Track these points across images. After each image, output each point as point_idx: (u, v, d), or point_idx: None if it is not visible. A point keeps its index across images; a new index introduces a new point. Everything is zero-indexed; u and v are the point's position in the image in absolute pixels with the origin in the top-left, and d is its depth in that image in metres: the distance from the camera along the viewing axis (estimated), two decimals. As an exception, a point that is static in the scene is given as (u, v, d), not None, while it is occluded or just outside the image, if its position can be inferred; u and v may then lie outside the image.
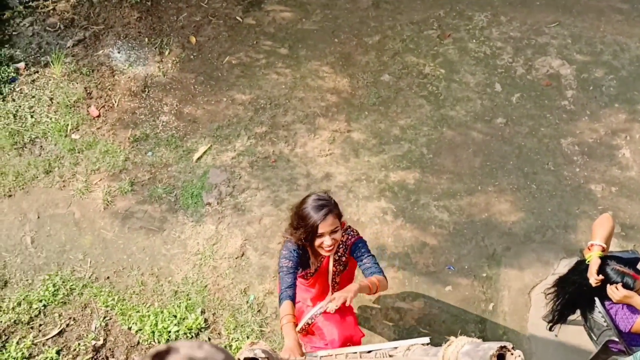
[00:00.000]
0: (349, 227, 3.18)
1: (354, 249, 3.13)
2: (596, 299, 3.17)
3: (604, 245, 3.00)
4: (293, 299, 2.84)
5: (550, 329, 3.66)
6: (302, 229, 2.87)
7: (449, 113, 5.30)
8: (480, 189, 4.82)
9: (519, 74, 5.61)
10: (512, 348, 1.16)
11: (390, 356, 1.72)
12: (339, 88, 5.47)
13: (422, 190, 4.80)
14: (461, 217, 4.66)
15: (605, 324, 3.19)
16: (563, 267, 4.37)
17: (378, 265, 3.07)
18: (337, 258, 3.17)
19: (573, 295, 3.31)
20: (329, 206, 2.86)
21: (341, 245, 3.13)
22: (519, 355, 1.15)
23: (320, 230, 2.82)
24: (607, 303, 3.17)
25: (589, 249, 3.03)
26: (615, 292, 2.96)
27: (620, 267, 3.02)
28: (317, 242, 2.89)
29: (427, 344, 1.63)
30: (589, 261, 3.04)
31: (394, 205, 4.70)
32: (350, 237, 3.15)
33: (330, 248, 2.89)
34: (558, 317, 3.47)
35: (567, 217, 4.67)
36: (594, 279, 2.97)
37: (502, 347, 1.15)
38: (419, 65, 5.64)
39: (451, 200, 4.75)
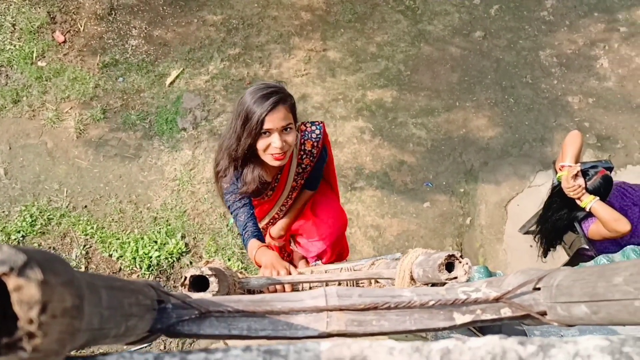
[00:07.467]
0: (310, 124, 2.41)
1: (320, 162, 2.48)
2: (575, 223, 3.19)
3: (574, 165, 2.99)
4: (259, 235, 2.16)
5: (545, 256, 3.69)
6: (245, 136, 2.07)
7: (426, 28, 5.17)
8: (458, 105, 4.78)
9: (498, -16, 5.44)
10: (460, 256, 1.17)
11: (355, 270, 1.75)
12: (313, 5, 5.28)
13: (400, 108, 4.75)
14: (439, 134, 4.64)
15: (576, 234, 3.26)
16: (539, 179, 4.42)
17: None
18: (299, 171, 2.46)
19: (557, 225, 3.32)
20: (279, 94, 2.05)
21: (305, 155, 2.41)
22: (467, 263, 1.16)
23: (266, 126, 2.03)
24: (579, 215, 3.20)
25: (560, 170, 3.00)
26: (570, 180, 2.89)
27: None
28: (262, 144, 2.09)
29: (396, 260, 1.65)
30: (559, 179, 3.03)
31: (371, 124, 4.66)
32: (315, 143, 2.39)
33: (280, 154, 2.11)
34: (547, 247, 3.51)
35: (544, 130, 4.67)
36: (571, 185, 2.92)
37: (450, 256, 1.16)
38: (396, -22, 5.44)
39: (429, 117, 4.71)
